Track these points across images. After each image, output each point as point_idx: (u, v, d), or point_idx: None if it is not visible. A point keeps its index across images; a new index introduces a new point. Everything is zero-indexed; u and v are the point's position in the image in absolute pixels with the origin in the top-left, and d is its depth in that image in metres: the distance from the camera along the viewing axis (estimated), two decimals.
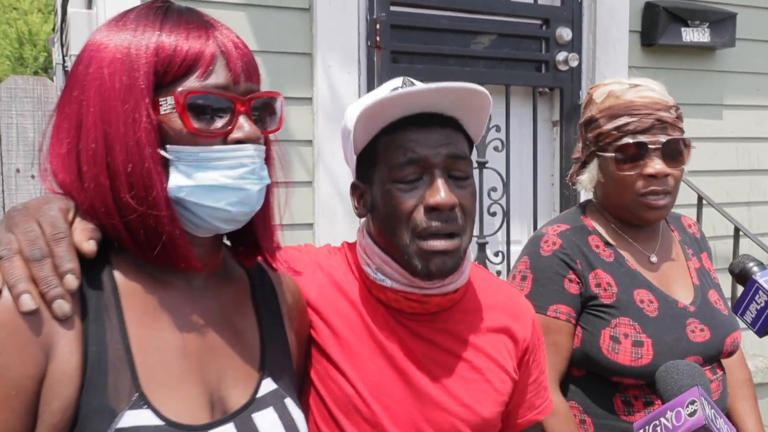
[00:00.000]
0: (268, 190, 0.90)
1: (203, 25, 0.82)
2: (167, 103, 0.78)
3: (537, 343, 1.21)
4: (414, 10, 2.78)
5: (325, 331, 1.08)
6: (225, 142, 0.81)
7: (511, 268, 2.94)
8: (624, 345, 1.40)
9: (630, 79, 1.51)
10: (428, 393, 1.07)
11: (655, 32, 3.14)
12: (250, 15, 2.50)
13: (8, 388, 0.70)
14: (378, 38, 2.66)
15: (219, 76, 0.80)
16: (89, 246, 0.77)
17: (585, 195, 3.16)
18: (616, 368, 1.40)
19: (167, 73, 0.78)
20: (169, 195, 0.79)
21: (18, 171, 2.16)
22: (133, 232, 0.79)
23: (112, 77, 0.78)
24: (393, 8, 2.71)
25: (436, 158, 1.02)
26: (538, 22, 3.04)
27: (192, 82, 0.79)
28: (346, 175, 2.62)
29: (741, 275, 1.43)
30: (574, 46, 3.06)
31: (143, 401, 0.75)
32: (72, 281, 0.74)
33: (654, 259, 1.53)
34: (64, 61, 2.88)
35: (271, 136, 0.92)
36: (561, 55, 3.02)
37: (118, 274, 0.81)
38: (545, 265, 1.47)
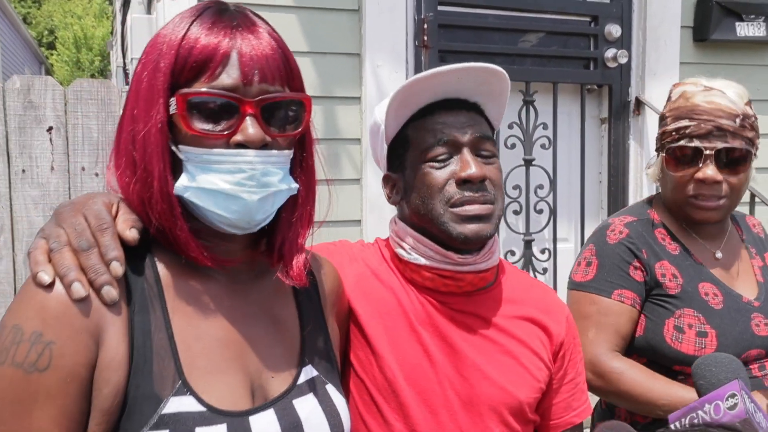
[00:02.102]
0: (300, 195, 0.89)
1: (229, 24, 0.81)
2: (174, 104, 0.80)
3: (573, 342, 1.22)
4: (461, 9, 2.80)
5: (364, 317, 1.12)
6: (227, 145, 0.81)
7: (557, 265, 2.95)
8: (688, 335, 1.42)
9: (710, 80, 1.52)
10: (464, 376, 1.10)
11: (708, 27, 3.08)
12: (300, 17, 2.56)
13: (64, 375, 0.73)
14: (425, 38, 2.69)
15: (227, 77, 0.80)
16: (131, 234, 0.80)
17: (633, 193, 3.14)
18: (678, 357, 1.42)
19: (182, 73, 0.80)
20: (174, 193, 0.81)
21: (83, 169, 2.28)
22: (158, 225, 0.82)
23: (141, 76, 0.82)
24: (441, 8, 2.74)
25: (464, 137, 1.10)
26: (587, 19, 3.03)
27: (198, 84, 0.80)
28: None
29: None
30: (624, 42, 3.03)
31: (186, 388, 0.78)
32: (117, 268, 0.77)
33: (719, 255, 1.55)
34: (124, 64, 2.99)
35: (316, 135, 0.92)
36: (610, 52, 3.00)
37: (160, 267, 0.84)
38: (611, 252, 1.50)
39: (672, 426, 1.05)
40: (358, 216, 2.67)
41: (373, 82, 2.63)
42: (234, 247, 0.88)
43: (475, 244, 1.11)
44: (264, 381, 0.87)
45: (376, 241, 1.25)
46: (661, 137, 1.53)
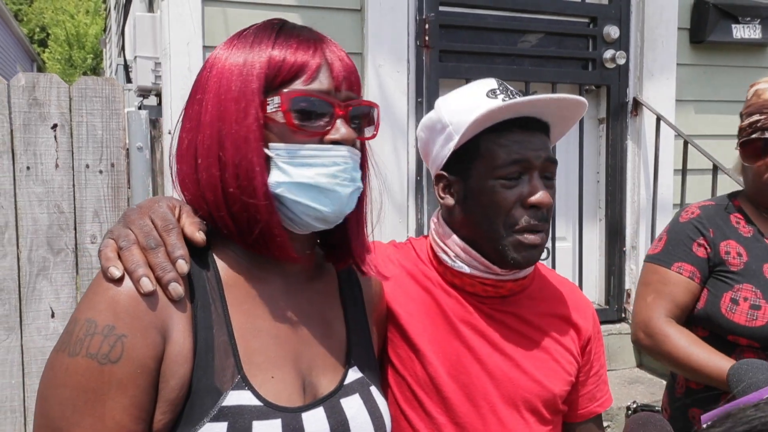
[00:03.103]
0: (362, 196, 0.95)
1: (312, 39, 0.88)
2: (273, 103, 0.85)
3: (597, 336, 1.27)
4: (462, 9, 2.82)
5: (404, 316, 1.15)
6: (322, 142, 0.87)
7: (555, 264, 2.98)
8: (742, 307, 1.53)
9: None
10: (503, 370, 1.14)
11: (704, 29, 3.12)
12: (303, 16, 2.58)
13: (134, 366, 0.77)
14: (427, 38, 2.72)
15: (322, 83, 0.86)
16: (200, 236, 0.85)
17: (630, 192, 3.17)
18: (730, 326, 1.53)
19: (276, 76, 0.85)
20: (269, 190, 0.85)
21: (87, 166, 2.28)
22: (237, 221, 0.86)
23: (229, 81, 0.86)
24: (442, 8, 2.76)
25: (537, 161, 1.10)
26: (586, 20, 3.06)
27: (297, 85, 0.85)
28: (393, 171, 2.68)
29: None
30: (622, 43, 3.07)
31: (245, 383, 0.82)
32: (183, 265, 0.81)
33: None
34: (125, 62, 3.00)
35: (367, 145, 0.97)
36: (608, 53, 3.03)
37: (221, 267, 0.88)
38: (680, 229, 1.65)
39: (704, 425, 1.07)
40: None
41: (375, 81, 2.65)
42: (296, 245, 0.91)
43: (526, 268, 1.15)
44: (314, 379, 0.91)
45: (409, 241, 1.29)
46: (739, 133, 1.65)
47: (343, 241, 0.97)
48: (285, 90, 0.85)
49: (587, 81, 3.08)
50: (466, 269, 1.15)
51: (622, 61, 3.02)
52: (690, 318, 1.62)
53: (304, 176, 0.85)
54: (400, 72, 2.68)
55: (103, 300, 0.78)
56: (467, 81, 2.81)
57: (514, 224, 1.10)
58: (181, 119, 0.91)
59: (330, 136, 0.86)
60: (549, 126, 1.15)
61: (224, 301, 0.86)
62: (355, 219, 0.95)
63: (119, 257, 0.81)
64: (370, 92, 2.65)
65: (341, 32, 2.64)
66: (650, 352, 1.61)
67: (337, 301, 1.01)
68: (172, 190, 2.56)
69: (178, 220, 0.86)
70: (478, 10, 2.85)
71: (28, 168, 2.22)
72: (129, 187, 2.35)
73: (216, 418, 0.79)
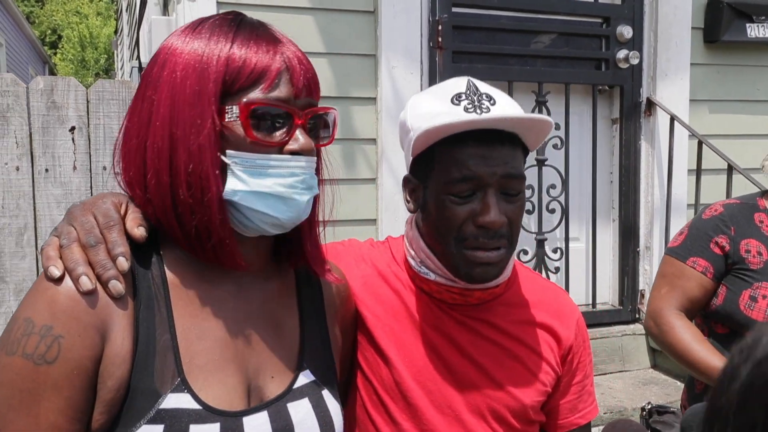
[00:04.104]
0: (315, 199, 0.93)
1: (272, 40, 0.85)
2: (232, 112, 0.82)
3: (582, 345, 1.22)
4: (475, 10, 2.83)
5: (372, 319, 1.13)
6: (281, 152, 0.84)
7: (569, 265, 2.99)
8: (760, 304, 1.56)
9: None
10: (470, 378, 1.11)
11: (718, 29, 3.11)
12: (317, 18, 2.59)
13: (71, 368, 0.76)
14: (440, 39, 2.72)
15: (282, 90, 0.84)
16: (140, 231, 0.83)
17: (644, 193, 3.16)
18: (748, 323, 1.55)
19: (235, 82, 0.82)
20: (224, 197, 0.84)
21: (105, 168, 2.31)
22: (186, 229, 0.84)
23: (184, 82, 0.82)
24: (455, 9, 2.77)
25: (492, 178, 1.04)
26: (599, 20, 3.06)
27: (256, 94, 0.83)
28: (405, 171, 2.69)
29: None
30: (635, 43, 3.06)
31: (184, 386, 0.81)
32: (123, 263, 0.80)
33: None
34: (140, 64, 3.03)
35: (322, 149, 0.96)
36: (621, 53, 3.03)
37: (167, 267, 0.86)
38: (700, 225, 1.68)
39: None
40: (373, 215, 2.70)
41: (388, 82, 2.66)
42: (248, 248, 0.90)
43: (481, 284, 1.10)
44: (261, 383, 0.89)
45: (387, 240, 1.25)
46: None
47: (295, 242, 0.95)
48: (244, 99, 0.82)
49: (600, 81, 3.08)
50: (432, 276, 1.11)
51: (635, 61, 3.01)
52: (709, 314, 1.65)
53: (262, 185, 0.83)
54: (413, 73, 2.69)
55: (42, 300, 0.77)
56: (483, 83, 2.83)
57: (464, 240, 1.05)
58: (126, 117, 0.88)
59: (289, 147, 0.84)
60: (517, 135, 1.07)
61: (168, 301, 0.84)
62: (308, 221, 0.93)
63: (61, 255, 0.79)
64: (383, 94, 2.66)
65: (354, 34, 2.65)
66: (656, 341, 1.69)
67: (293, 302, 0.98)
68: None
69: (124, 216, 0.84)
70: (491, 11, 2.86)
71: (46, 170, 2.24)
72: None
73: (153, 421, 0.78)
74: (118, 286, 0.79)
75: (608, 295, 3.27)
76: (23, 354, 0.75)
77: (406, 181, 1.17)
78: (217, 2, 2.36)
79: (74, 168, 2.27)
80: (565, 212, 2.98)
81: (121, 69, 11.48)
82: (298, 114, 0.85)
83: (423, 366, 1.11)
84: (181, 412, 0.79)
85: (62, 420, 0.76)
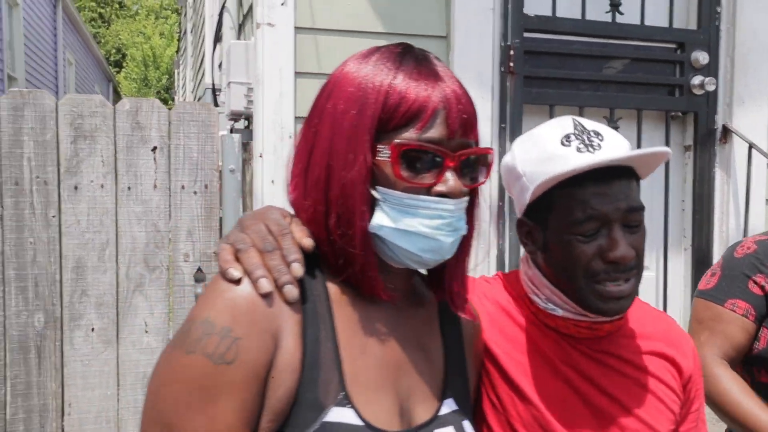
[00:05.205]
0: (467, 237, 0.93)
1: (432, 76, 0.86)
2: (384, 152, 0.84)
3: (698, 374, 1.23)
4: (547, 35, 2.82)
5: (503, 356, 1.13)
6: (429, 192, 0.85)
7: (639, 294, 2.91)
8: None
9: None
10: (609, 412, 1.11)
11: None
12: (390, 42, 2.62)
13: (247, 370, 0.77)
14: (511, 64, 2.72)
15: (436, 131, 0.83)
16: (308, 242, 0.86)
17: (718, 222, 3.07)
18: None
19: (390, 120, 0.83)
20: (370, 230, 0.85)
21: (183, 187, 2.38)
22: (336, 258, 0.87)
23: (344, 114, 0.85)
24: (526, 34, 2.76)
25: (616, 214, 1.04)
26: (673, 45, 3.01)
27: (410, 134, 0.83)
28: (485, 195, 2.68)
29: None
30: (711, 69, 2.99)
31: (347, 401, 0.82)
32: (298, 268, 0.82)
33: None
34: (213, 85, 3.12)
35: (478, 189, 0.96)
36: (696, 79, 2.96)
37: (330, 285, 0.88)
38: (735, 265, 1.58)
39: None
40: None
41: None
42: (398, 279, 0.92)
43: (613, 316, 1.11)
44: (411, 406, 0.90)
45: (498, 277, 1.26)
46: None
47: (441, 276, 0.96)
48: (396, 140, 0.83)
49: (674, 107, 3.02)
50: (559, 312, 1.13)
51: (711, 88, 2.95)
52: (751, 359, 1.54)
53: (408, 224, 0.84)
54: (485, 98, 2.69)
55: (222, 301, 0.79)
56: (551, 107, 2.82)
57: (594, 275, 1.06)
58: (297, 140, 0.92)
59: (437, 189, 0.85)
60: (631, 167, 1.07)
61: (332, 315, 0.86)
62: (455, 259, 0.93)
63: (237, 260, 0.82)
64: None
65: None
66: None
67: (437, 331, 1.00)
68: None
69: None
70: (563, 36, 2.84)
71: (128, 188, 2.33)
72: (221, 208, 2.43)
73: None
74: (293, 291, 0.81)
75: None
76: (203, 353, 0.77)
77: (520, 224, 1.17)
78: (295, 27, 2.42)
79: (154, 186, 2.35)
80: (642, 257, 2.92)
81: (182, 88, 11.87)
82: (449, 156, 0.84)
83: (560, 401, 1.11)
84: (345, 427, 0.81)
85: (237, 422, 0.77)
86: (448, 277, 0.95)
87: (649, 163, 1.08)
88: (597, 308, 1.08)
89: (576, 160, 1.05)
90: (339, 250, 0.86)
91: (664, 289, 3.04)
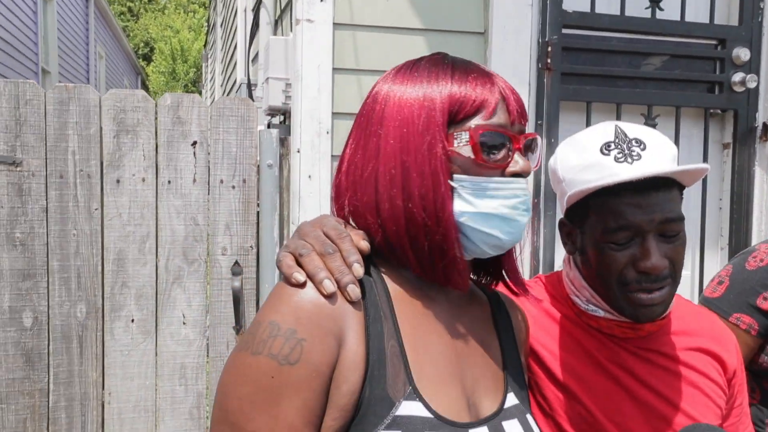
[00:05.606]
0: None
1: (485, 74, 0.93)
2: (461, 138, 0.89)
3: (741, 369, 1.24)
4: (585, 32, 2.79)
5: (548, 356, 1.15)
6: (502, 174, 0.91)
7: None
8: None
9: None
10: (656, 408, 1.13)
11: None
12: (428, 39, 2.62)
13: (310, 370, 0.80)
14: (549, 60, 2.70)
15: (500, 117, 0.90)
16: (365, 244, 0.89)
17: (757, 221, 3.03)
18: None
19: (459, 112, 0.89)
20: (455, 219, 0.89)
21: (221, 182, 2.41)
22: (418, 250, 0.90)
23: (412, 115, 0.90)
24: (565, 30, 2.74)
25: (650, 225, 1.05)
26: (714, 42, 2.96)
27: (479, 120, 0.89)
28: None
29: None
30: (752, 66, 2.94)
31: (416, 394, 0.84)
32: (359, 269, 0.86)
33: None
34: (249, 80, 3.14)
35: None
36: (737, 76, 2.91)
37: (389, 283, 0.92)
38: (745, 278, 1.53)
39: None
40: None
41: None
42: (465, 271, 0.94)
43: (644, 323, 1.13)
44: (477, 399, 0.92)
45: (539, 279, 1.28)
46: None
47: (495, 265, 1.01)
48: (473, 126, 0.88)
49: (713, 105, 2.97)
50: (600, 312, 1.14)
51: (753, 85, 2.90)
52: (760, 372, 1.53)
53: (489, 207, 0.88)
54: (521, 94, 2.65)
55: (287, 305, 0.83)
56: (588, 104, 2.79)
57: (626, 284, 1.07)
58: (349, 151, 0.95)
59: (510, 169, 0.90)
60: (672, 177, 1.07)
61: (393, 312, 0.88)
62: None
63: (299, 265, 0.86)
64: None
65: (464, 54, 2.64)
66: None
67: (492, 328, 1.03)
68: (297, 205, 2.63)
69: None
70: (601, 33, 2.81)
71: (169, 182, 2.36)
72: (258, 203, 2.45)
73: (390, 427, 0.81)
74: (355, 290, 0.85)
75: None
76: (269, 354, 0.80)
77: (561, 224, 1.21)
78: (334, 23, 2.42)
79: (194, 180, 2.38)
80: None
81: (210, 81, 11.97)
82: (516, 138, 0.91)
83: (608, 399, 1.13)
84: (416, 419, 0.83)
85: (299, 421, 0.80)
86: (509, 261, 1.00)
87: (690, 174, 1.08)
88: (629, 314, 1.10)
89: (612, 176, 1.05)
90: (423, 245, 0.89)
91: (699, 287, 3.00)
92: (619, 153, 1.07)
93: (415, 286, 0.93)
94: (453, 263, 0.90)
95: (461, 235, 0.90)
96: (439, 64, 0.93)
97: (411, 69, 0.94)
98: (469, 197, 0.89)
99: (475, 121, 0.89)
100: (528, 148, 0.95)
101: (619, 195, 1.06)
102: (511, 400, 0.96)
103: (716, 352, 1.19)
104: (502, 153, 0.90)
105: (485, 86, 0.90)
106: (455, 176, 0.89)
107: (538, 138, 0.97)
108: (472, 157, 0.89)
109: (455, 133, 0.89)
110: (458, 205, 0.89)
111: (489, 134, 0.89)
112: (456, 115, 0.89)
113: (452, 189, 0.89)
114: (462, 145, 0.89)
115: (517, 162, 0.91)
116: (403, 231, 0.89)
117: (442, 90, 0.90)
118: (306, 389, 0.80)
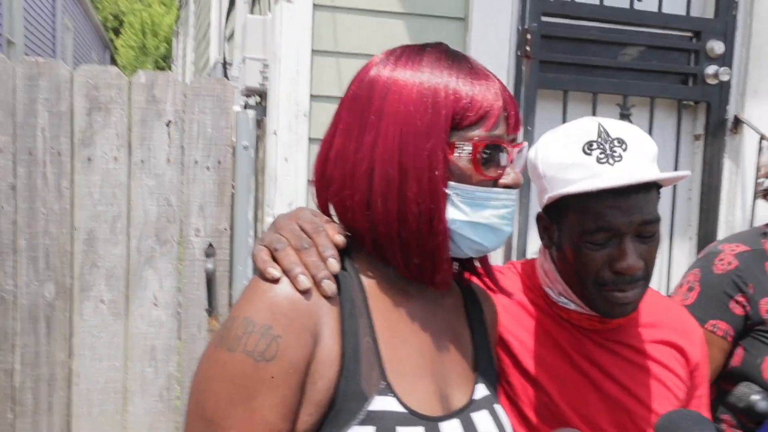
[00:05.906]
0: None
1: (488, 78, 0.90)
2: (463, 148, 0.88)
3: (704, 361, 1.27)
4: (565, 20, 2.80)
5: (516, 344, 1.16)
6: (495, 185, 0.91)
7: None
8: None
9: None
10: (619, 400, 1.15)
11: None
12: (408, 23, 2.60)
13: (286, 367, 0.80)
14: (528, 48, 2.70)
15: (500, 129, 0.90)
16: (340, 238, 0.89)
17: (724, 212, 3.09)
18: None
19: (463, 119, 0.87)
20: (447, 227, 0.89)
21: (196, 162, 2.37)
22: (407, 253, 0.89)
23: (414, 114, 0.87)
24: (544, 18, 2.74)
25: (628, 227, 1.06)
26: (689, 34, 2.99)
27: (480, 132, 0.88)
28: None
29: (747, 412, 1.44)
30: (725, 59, 2.98)
31: (389, 390, 0.85)
32: (334, 264, 0.86)
33: None
34: (224, 59, 3.09)
35: None
36: (711, 69, 2.95)
37: (364, 278, 0.91)
38: (715, 283, 1.52)
39: None
40: None
41: None
42: (450, 273, 0.94)
43: (616, 318, 1.15)
44: (448, 392, 0.93)
45: (512, 266, 1.28)
46: None
47: (469, 260, 1.00)
48: (476, 137, 0.87)
49: (687, 96, 3.01)
50: (572, 306, 1.16)
51: (725, 78, 2.94)
52: (724, 374, 1.53)
53: (480, 216, 0.89)
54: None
55: (262, 300, 0.82)
56: (565, 93, 2.81)
57: (602, 283, 1.09)
58: (339, 138, 0.91)
59: (503, 181, 0.91)
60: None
61: (368, 308, 0.88)
62: None
63: (274, 260, 0.85)
64: None
65: (443, 40, 2.62)
66: None
67: (464, 318, 1.04)
68: (273, 187, 2.60)
69: None
70: (581, 22, 2.82)
71: (142, 162, 2.32)
72: (233, 184, 2.42)
73: (363, 422, 0.82)
74: (331, 285, 0.84)
75: None
76: (245, 350, 0.80)
77: (539, 218, 1.20)
78: (314, 4, 2.39)
79: (168, 161, 2.34)
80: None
81: (182, 57, 11.73)
82: (510, 150, 0.91)
83: (573, 389, 1.15)
84: (389, 414, 0.83)
85: (275, 417, 0.80)
86: (483, 258, 1.01)
87: (670, 178, 1.10)
88: (602, 312, 1.11)
89: (594, 181, 1.06)
90: (414, 247, 0.89)
91: (667, 276, 3.06)
92: (601, 153, 1.08)
93: (390, 281, 0.93)
94: (441, 268, 0.90)
95: (450, 241, 0.90)
96: (441, 59, 0.90)
97: (414, 60, 0.91)
98: (462, 206, 0.88)
99: (478, 132, 0.88)
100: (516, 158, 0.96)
101: (600, 197, 1.06)
102: (481, 391, 0.97)
103: (680, 344, 1.22)
104: (498, 165, 0.91)
105: (489, 93, 0.88)
106: (450, 183, 0.88)
107: (526, 147, 0.96)
108: (471, 167, 0.88)
109: (457, 143, 0.87)
110: (451, 213, 0.88)
111: (491, 147, 0.89)
112: (459, 122, 0.87)
113: (446, 196, 0.88)
114: (463, 155, 0.88)
115: (509, 174, 0.91)
116: (394, 233, 0.88)
117: (447, 92, 0.87)
118: (282, 386, 0.80)
